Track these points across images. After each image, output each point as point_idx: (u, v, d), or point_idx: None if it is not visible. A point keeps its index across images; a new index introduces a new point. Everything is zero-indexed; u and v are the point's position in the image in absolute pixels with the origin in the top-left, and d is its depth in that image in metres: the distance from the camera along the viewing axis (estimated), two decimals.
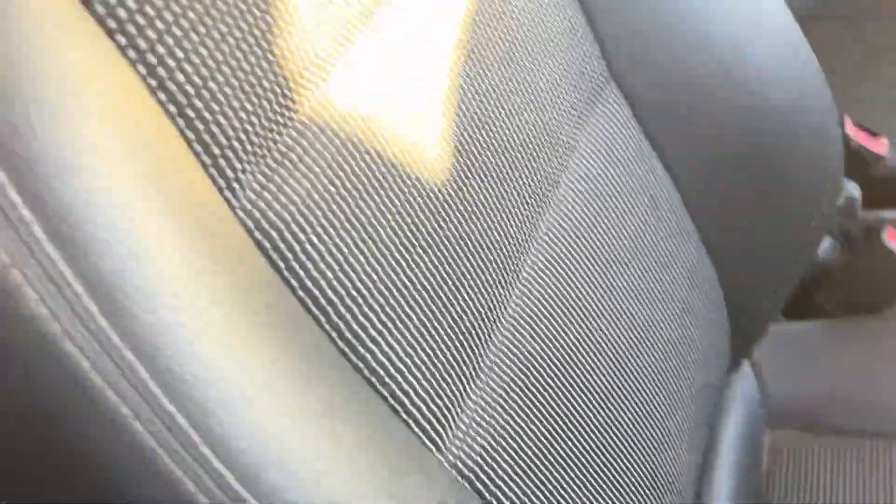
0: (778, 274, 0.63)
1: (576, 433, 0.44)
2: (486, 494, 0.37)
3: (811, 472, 0.70)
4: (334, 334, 0.33)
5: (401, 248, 0.36)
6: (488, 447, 0.38)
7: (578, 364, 0.45)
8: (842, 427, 0.71)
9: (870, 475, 0.68)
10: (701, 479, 0.69)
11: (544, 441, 0.42)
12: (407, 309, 0.35)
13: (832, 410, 0.73)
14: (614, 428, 0.47)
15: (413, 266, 0.36)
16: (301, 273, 0.32)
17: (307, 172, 0.33)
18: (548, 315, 0.43)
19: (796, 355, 0.76)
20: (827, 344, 0.76)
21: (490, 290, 0.40)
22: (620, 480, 0.48)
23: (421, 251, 0.37)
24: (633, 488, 0.49)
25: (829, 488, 0.68)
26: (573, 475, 0.43)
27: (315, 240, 0.33)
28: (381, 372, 0.34)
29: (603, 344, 0.47)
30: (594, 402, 0.46)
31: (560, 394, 0.44)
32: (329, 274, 0.33)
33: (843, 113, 0.88)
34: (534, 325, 0.42)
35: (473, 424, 0.37)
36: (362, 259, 0.34)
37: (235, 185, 0.31)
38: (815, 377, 0.75)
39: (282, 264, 0.32)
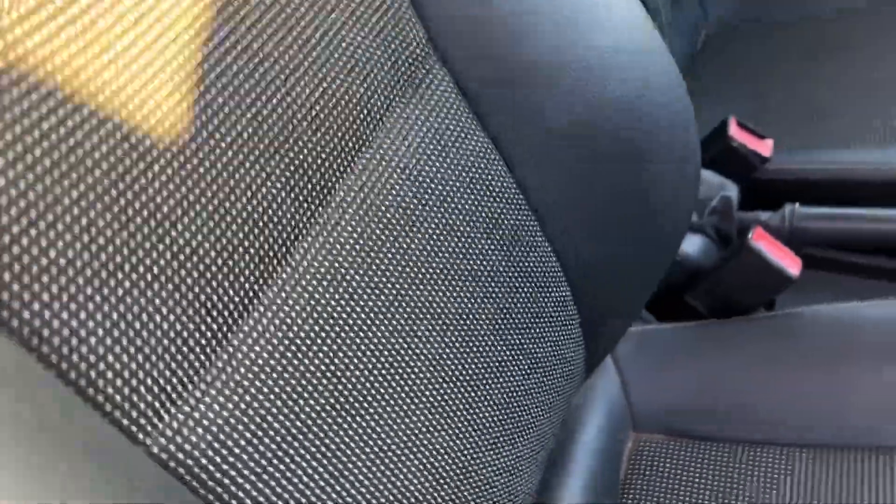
0: (633, 277, 0.60)
1: (370, 432, 0.41)
2: (212, 483, 0.33)
3: (670, 477, 0.67)
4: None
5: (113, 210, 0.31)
6: (225, 432, 0.34)
7: (371, 346, 0.42)
8: (706, 433, 0.69)
9: (729, 482, 0.66)
10: (551, 484, 0.66)
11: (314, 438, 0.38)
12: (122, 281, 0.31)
13: (697, 415, 0.71)
14: (427, 427, 0.44)
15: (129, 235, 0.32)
16: None
17: None
18: (324, 315, 0.39)
19: (663, 356, 0.74)
20: (695, 346, 0.74)
21: (241, 278, 0.36)
22: (435, 484, 0.44)
23: (147, 217, 0.32)
24: (454, 493, 0.45)
25: (687, 495, 0.66)
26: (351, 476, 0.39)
27: None
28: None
29: (404, 354, 0.43)
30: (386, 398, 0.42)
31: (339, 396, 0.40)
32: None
33: (729, 114, 0.87)
34: (302, 324, 0.38)
35: (202, 406, 0.33)
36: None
37: None
38: (680, 379, 0.72)
39: None
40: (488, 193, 0.49)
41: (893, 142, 0.88)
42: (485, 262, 0.49)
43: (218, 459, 0.34)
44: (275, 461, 0.36)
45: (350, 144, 0.42)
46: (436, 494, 0.43)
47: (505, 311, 0.50)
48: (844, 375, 0.68)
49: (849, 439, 0.66)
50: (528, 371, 0.53)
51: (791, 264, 0.69)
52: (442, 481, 0.44)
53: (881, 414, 0.67)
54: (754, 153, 0.83)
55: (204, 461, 0.33)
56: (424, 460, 0.43)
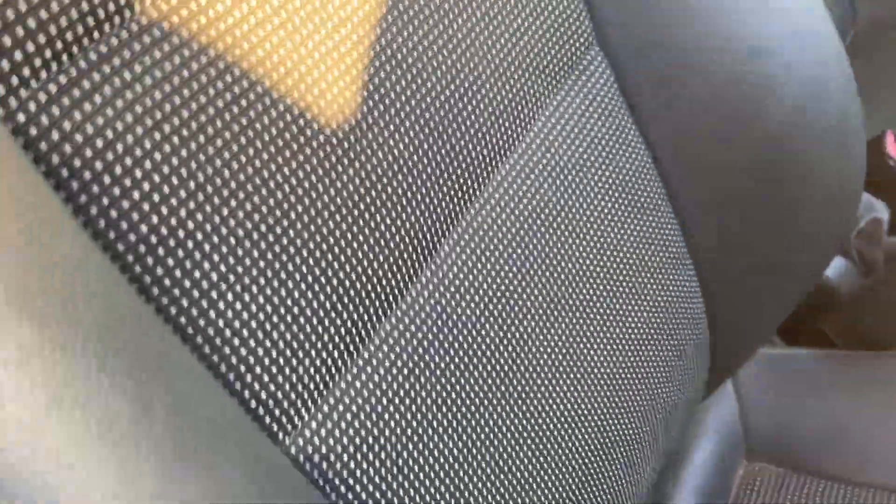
0: (772, 295, 0.56)
1: (497, 441, 0.38)
2: (336, 489, 0.31)
3: None
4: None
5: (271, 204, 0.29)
6: (353, 440, 0.31)
7: (505, 361, 0.39)
8: (824, 470, 0.65)
9: None
10: (659, 497, 0.63)
11: (444, 443, 0.36)
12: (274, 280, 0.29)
13: (816, 450, 0.66)
14: (545, 439, 0.41)
15: (289, 234, 0.30)
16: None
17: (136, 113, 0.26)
18: (476, 302, 0.37)
19: (787, 384, 0.69)
20: (822, 376, 0.69)
21: (393, 267, 0.33)
22: (549, 492, 0.41)
23: (312, 201, 0.30)
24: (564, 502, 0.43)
25: None
26: (483, 474, 0.37)
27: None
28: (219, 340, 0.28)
29: (545, 342, 0.40)
30: (523, 408, 0.40)
31: (478, 399, 0.38)
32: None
33: (887, 129, 0.80)
34: (450, 314, 0.36)
35: (335, 414, 0.31)
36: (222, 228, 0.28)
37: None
38: (803, 411, 0.68)
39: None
40: (634, 188, 0.45)
41: None
42: (624, 263, 0.46)
43: (352, 464, 0.32)
44: (404, 467, 0.34)
45: (510, 130, 0.39)
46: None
47: (637, 314, 0.47)
48: None
49: None
50: (652, 383, 0.50)
51: None
52: (558, 493, 0.41)
53: None
54: None
55: (338, 465, 0.31)
56: (549, 476, 0.40)
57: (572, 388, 0.42)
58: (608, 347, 0.45)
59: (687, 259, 0.48)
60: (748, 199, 0.49)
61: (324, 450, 0.31)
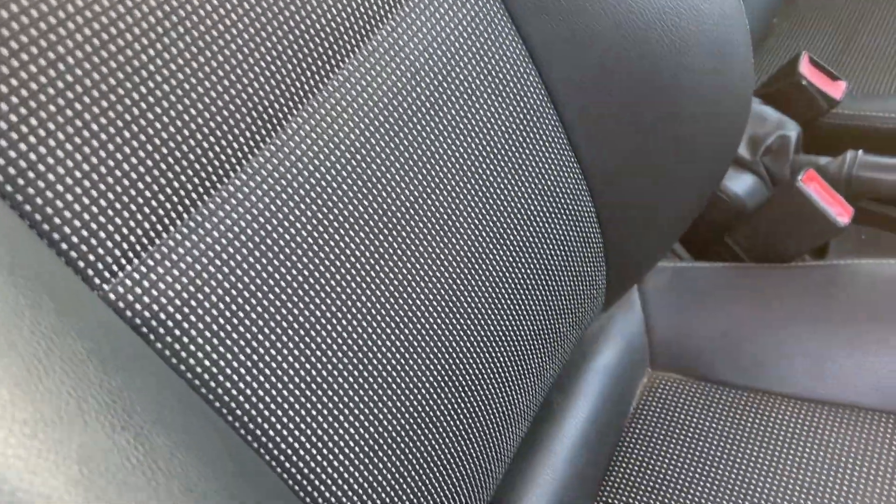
0: (665, 208, 0.57)
1: (357, 320, 0.39)
2: (169, 337, 0.32)
3: (680, 416, 0.65)
4: None
5: None
6: (190, 291, 0.33)
7: (376, 242, 0.40)
8: (724, 378, 0.67)
9: (739, 428, 0.63)
10: (560, 406, 0.64)
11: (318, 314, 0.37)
12: None
13: (718, 359, 0.68)
14: (418, 324, 0.42)
15: None
16: None
17: None
18: (339, 163, 0.38)
19: (693, 296, 0.71)
20: (727, 288, 0.71)
21: (252, 117, 0.35)
22: (437, 394, 0.43)
23: (139, 66, 0.31)
24: (459, 403, 0.44)
25: (695, 435, 0.64)
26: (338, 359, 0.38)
27: None
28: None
29: (448, 253, 0.41)
30: (392, 291, 0.41)
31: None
32: None
33: (802, 50, 0.81)
34: (307, 178, 0.37)
35: (167, 262, 0.33)
36: None
37: None
38: (707, 321, 0.69)
39: None
40: (515, 94, 0.46)
41: None
42: (508, 168, 0.46)
43: (178, 316, 0.33)
44: (239, 326, 0.35)
45: (364, 22, 0.39)
46: (443, 407, 0.42)
47: (522, 218, 0.48)
48: (878, 335, 0.64)
49: (874, 402, 0.62)
50: (545, 287, 0.51)
51: (841, 212, 0.65)
52: (446, 397, 0.43)
53: None
54: (823, 94, 0.77)
55: (163, 315, 0.33)
56: (421, 359, 0.41)
57: (456, 277, 0.43)
58: (493, 246, 0.46)
59: (572, 160, 0.49)
60: (630, 101, 0.50)
61: (146, 299, 0.32)
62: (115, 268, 0.32)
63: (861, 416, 0.62)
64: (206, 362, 0.34)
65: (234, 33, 0.35)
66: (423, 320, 0.42)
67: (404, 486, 0.42)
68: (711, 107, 0.54)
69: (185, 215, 0.33)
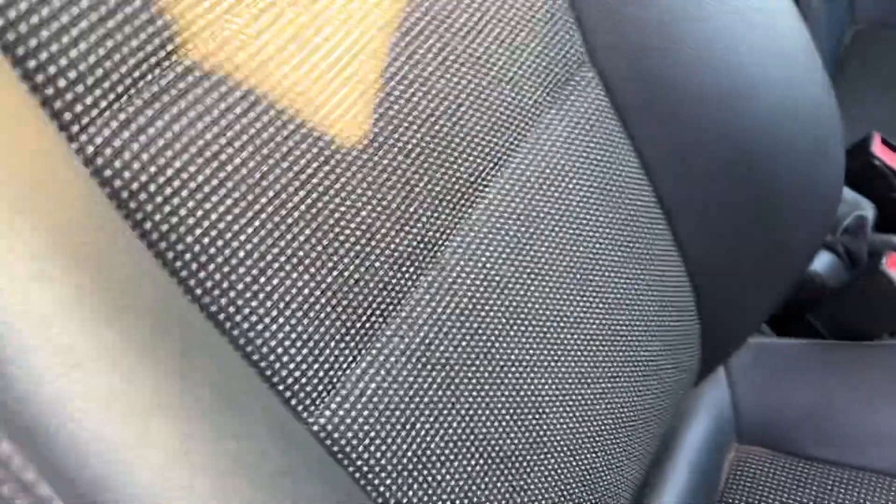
0: (757, 288, 0.60)
1: (500, 415, 0.42)
2: (360, 461, 0.35)
3: (769, 492, 0.67)
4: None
5: (302, 209, 0.34)
6: (373, 416, 0.36)
7: (512, 340, 0.43)
8: (810, 453, 0.69)
9: (825, 502, 0.65)
10: (651, 483, 0.67)
11: (451, 422, 0.40)
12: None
13: (805, 434, 0.70)
14: (548, 418, 0.45)
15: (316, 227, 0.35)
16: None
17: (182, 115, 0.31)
18: (483, 291, 0.41)
19: (777, 372, 0.73)
20: (811, 365, 0.73)
21: (402, 259, 0.38)
22: (549, 475, 0.46)
23: (329, 213, 0.35)
24: (563, 485, 0.47)
25: None
26: (486, 459, 0.41)
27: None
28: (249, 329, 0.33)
29: (544, 336, 0.45)
30: (525, 382, 0.44)
31: (482, 372, 0.42)
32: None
33: (873, 131, 0.84)
34: (460, 307, 0.40)
35: (357, 391, 0.36)
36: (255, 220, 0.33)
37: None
38: (792, 397, 0.72)
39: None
40: (624, 194, 0.50)
41: None
42: (616, 262, 0.50)
43: (367, 441, 0.36)
44: (414, 446, 0.38)
45: (503, 146, 0.43)
46: (551, 489, 0.44)
47: (629, 310, 0.51)
48: None
49: None
50: (644, 371, 0.54)
51: None
52: (557, 476, 0.46)
53: None
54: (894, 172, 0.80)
55: (355, 441, 0.36)
56: (548, 459, 0.44)
57: (571, 374, 0.46)
58: (605, 339, 0.49)
59: (675, 254, 0.53)
60: (731, 199, 0.53)
61: (343, 427, 0.36)
62: (319, 401, 0.35)
63: None
64: (378, 470, 0.37)
65: (406, 178, 0.39)
66: (546, 407, 0.46)
67: None
68: (808, 198, 0.57)
69: (368, 343, 0.37)
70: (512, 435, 0.43)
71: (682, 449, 0.69)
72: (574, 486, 0.48)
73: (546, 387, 0.45)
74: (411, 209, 0.39)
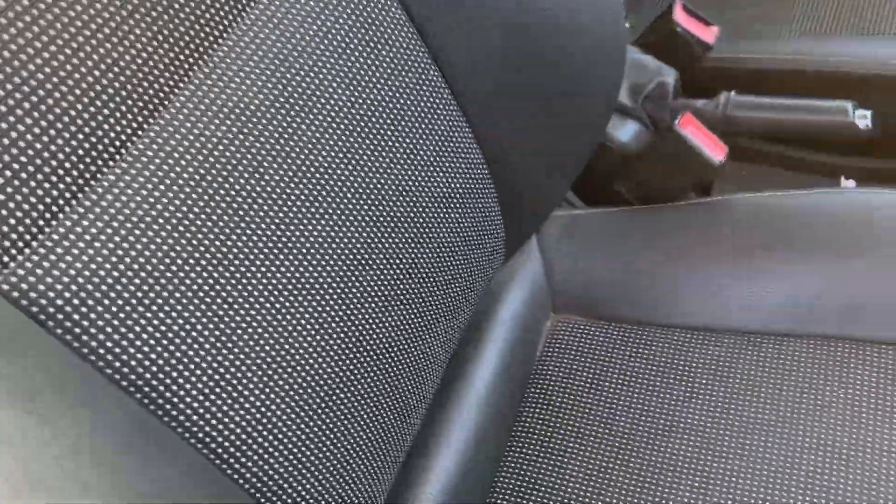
0: (554, 159, 0.60)
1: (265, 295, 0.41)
2: (69, 322, 0.34)
3: (584, 355, 0.69)
4: None
5: None
6: (85, 276, 0.34)
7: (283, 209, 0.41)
8: (623, 316, 0.70)
9: (640, 361, 0.67)
10: (466, 354, 0.67)
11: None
12: None
13: (616, 299, 0.72)
14: (345, 298, 0.44)
15: None
16: None
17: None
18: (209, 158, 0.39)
19: (588, 241, 0.74)
20: (619, 232, 0.74)
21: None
22: (359, 357, 0.45)
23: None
24: (377, 367, 0.46)
25: (598, 371, 0.67)
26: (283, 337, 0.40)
27: None
28: None
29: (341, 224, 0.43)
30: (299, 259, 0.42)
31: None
32: None
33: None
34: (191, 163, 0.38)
35: (59, 249, 0.34)
36: None
37: None
38: (603, 265, 0.73)
39: None
40: (395, 52, 0.48)
41: (841, 34, 0.86)
42: (395, 128, 0.48)
43: (76, 301, 0.34)
44: (140, 308, 0.36)
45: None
46: (329, 355, 0.43)
47: (417, 178, 0.50)
48: (763, 264, 0.69)
49: (764, 325, 0.67)
50: (445, 241, 0.53)
51: (716, 150, 0.69)
52: (343, 344, 0.44)
53: (796, 303, 0.68)
54: (698, 40, 0.81)
55: (60, 302, 0.34)
56: (324, 322, 0.43)
57: (355, 240, 0.45)
58: (393, 214, 0.48)
59: (465, 125, 0.51)
60: (518, 63, 0.52)
61: (42, 287, 0.33)
62: (5, 258, 0.32)
63: (749, 340, 0.67)
64: (109, 343, 0.35)
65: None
66: (325, 285, 0.44)
67: (316, 451, 0.44)
68: (594, 60, 0.57)
69: (73, 202, 0.34)
70: (284, 309, 0.41)
71: (498, 322, 0.70)
72: (378, 365, 0.47)
73: (327, 263, 0.44)
74: (141, 58, 0.36)
